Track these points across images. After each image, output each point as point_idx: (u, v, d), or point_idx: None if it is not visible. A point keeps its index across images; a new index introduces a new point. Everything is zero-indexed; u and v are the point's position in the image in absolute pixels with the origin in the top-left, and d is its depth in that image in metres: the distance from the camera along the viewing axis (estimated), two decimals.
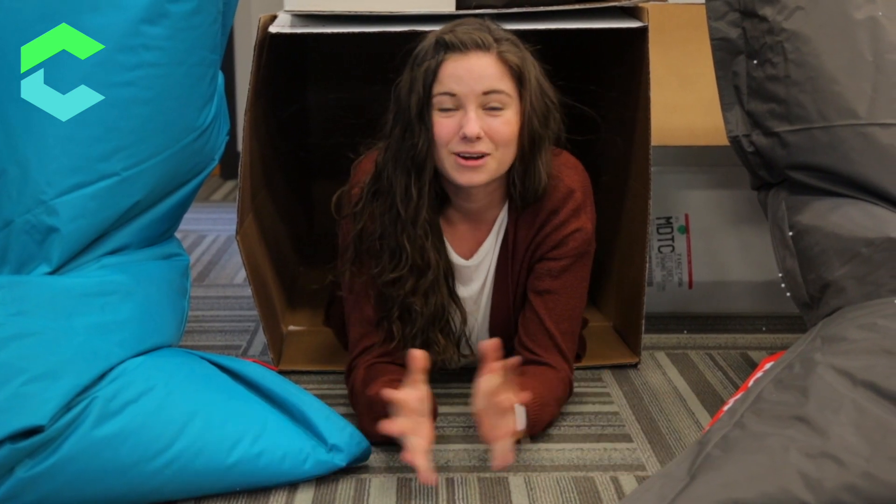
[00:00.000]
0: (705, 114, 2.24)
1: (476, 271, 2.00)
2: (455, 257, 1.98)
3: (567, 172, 1.94)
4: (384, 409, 1.81)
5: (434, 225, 1.93)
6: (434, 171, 1.87)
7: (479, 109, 1.81)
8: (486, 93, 1.80)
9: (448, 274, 1.97)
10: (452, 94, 1.80)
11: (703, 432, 1.66)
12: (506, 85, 1.82)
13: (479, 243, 1.99)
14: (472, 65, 1.80)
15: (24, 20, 1.80)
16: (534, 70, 1.86)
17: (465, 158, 1.82)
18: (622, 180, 2.34)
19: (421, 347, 1.94)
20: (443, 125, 1.82)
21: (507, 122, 1.82)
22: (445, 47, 1.81)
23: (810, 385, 1.57)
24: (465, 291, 2.01)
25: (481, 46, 1.81)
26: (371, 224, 1.91)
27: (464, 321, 2.01)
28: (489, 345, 1.70)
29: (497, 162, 1.84)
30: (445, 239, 1.98)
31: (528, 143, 1.85)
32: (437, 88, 1.81)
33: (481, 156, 1.82)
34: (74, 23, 1.80)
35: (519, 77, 1.83)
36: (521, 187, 1.89)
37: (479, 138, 1.80)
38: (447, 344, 1.97)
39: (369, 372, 1.92)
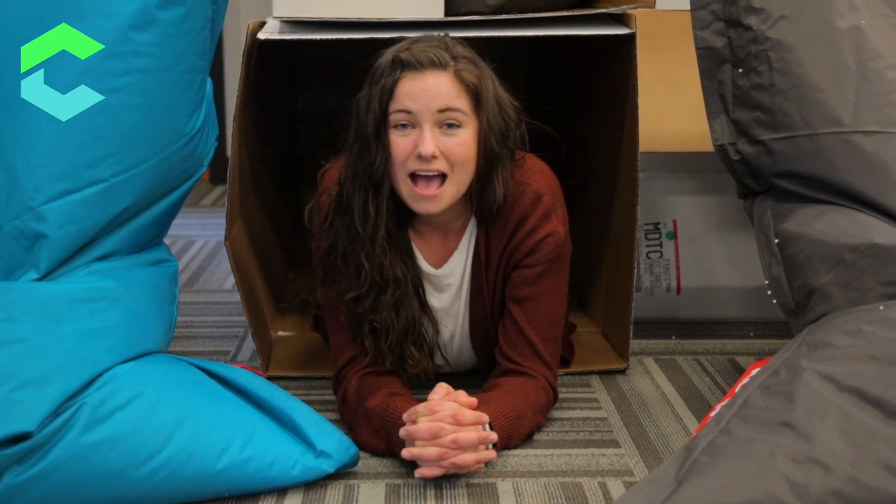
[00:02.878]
0: (693, 120, 2.25)
1: (447, 280, 2.00)
2: (425, 266, 1.98)
3: (534, 177, 1.94)
4: (383, 422, 1.82)
5: (401, 238, 1.93)
6: (391, 187, 1.86)
7: (434, 128, 1.80)
8: (441, 110, 1.79)
9: (418, 285, 1.97)
10: (408, 112, 1.80)
11: (690, 438, 1.66)
12: (462, 103, 1.81)
13: (450, 252, 1.98)
14: (429, 83, 1.79)
15: (15, 26, 1.80)
16: (492, 87, 1.85)
17: (422, 185, 1.81)
18: (610, 186, 2.35)
19: (396, 361, 1.95)
20: (399, 144, 1.81)
21: (463, 143, 1.81)
22: (402, 65, 1.80)
23: (796, 391, 1.57)
24: (438, 301, 2.01)
25: (437, 65, 1.80)
26: (335, 241, 1.91)
27: (436, 332, 2.01)
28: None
29: (455, 186, 1.84)
30: (416, 248, 1.98)
31: (485, 162, 1.85)
32: (393, 106, 1.80)
33: (438, 174, 1.81)
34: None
35: (476, 95, 1.82)
36: (478, 204, 1.89)
37: (434, 157, 1.80)
38: (421, 357, 1.97)
39: (363, 383, 1.92)
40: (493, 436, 1.75)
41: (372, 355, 1.93)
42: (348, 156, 1.89)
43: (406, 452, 1.73)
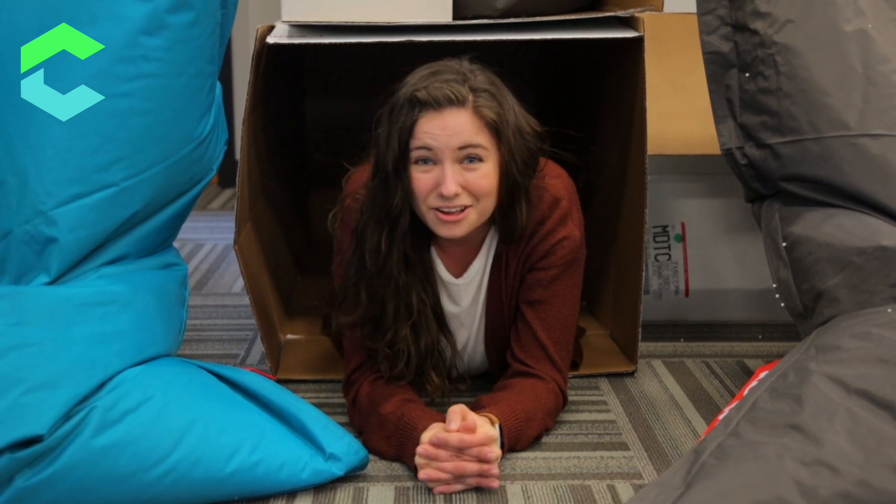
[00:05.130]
0: (701, 123, 2.25)
1: (467, 289, 2.00)
2: (446, 276, 1.99)
3: (552, 182, 1.94)
4: (396, 430, 1.83)
5: (420, 261, 1.93)
6: (411, 219, 1.86)
7: (455, 164, 1.80)
8: (461, 147, 1.79)
9: (437, 307, 1.98)
10: (429, 149, 1.79)
11: (698, 441, 1.67)
12: (482, 139, 1.80)
13: (470, 261, 1.99)
14: (447, 122, 1.78)
15: (18, 29, 1.81)
16: (513, 118, 1.83)
17: (445, 213, 1.82)
18: (618, 189, 2.35)
19: (413, 385, 1.95)
20: (421, 180, 1.81)
21: (484, 176, 1.81)
22: (420, 105, 1.79)
23: (805, 393, 1.58)
24: (454, 309, 2.02)
25: (455, 102, 1.79)
26: (354, 270, 1.91)
27: (454, 352, 2.02)
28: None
29: (478, 213, 1.84)
30: (438, 260, 1.98)
31: (507, 192, 1.86)
32: (413, 144, 1.80)
33: (461, 209, 1.82)
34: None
35: (496, 130, 1.81)
36: (501, 228, 1.91)
37: (457, 195, 1.80)
38: (440, 382, 1.98)
39: (375, 388, 1.93)
40: (496, 471, 1.76)
41: (385, 379, 1.94)
42: (369, 185, 1.89)
43: (423, 474, 1.74)
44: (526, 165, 1.87)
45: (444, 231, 1.84)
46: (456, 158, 1.80)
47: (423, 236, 1.93)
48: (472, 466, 1.73)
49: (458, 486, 1.75)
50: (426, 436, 1.76)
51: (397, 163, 1.81)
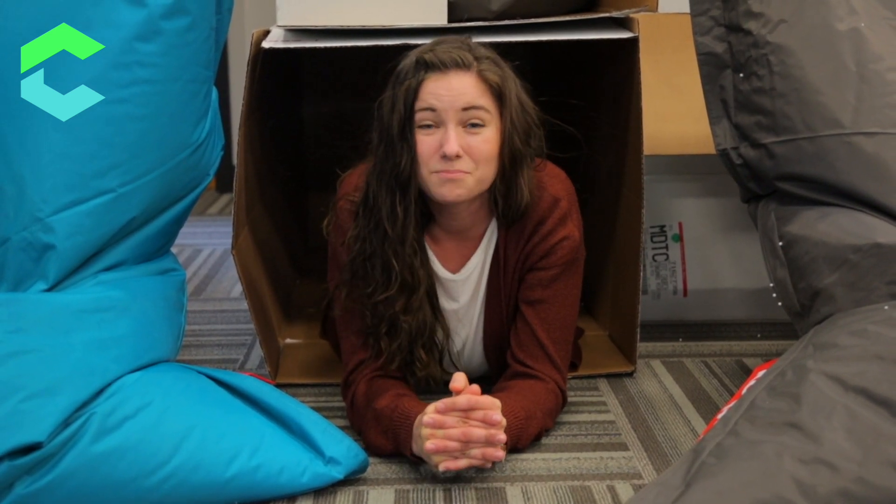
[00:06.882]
0: (697, 122, 2.25)
1: (464, 285, 2.01)
2: (442, 271, 1.99)
3: (551, 182, 1.96)
4: (391, 423, 1.83)
5: (420, 242, 1.94)
6: (418, 189, 1.88)
7: (458, 127, 1.82)
8: (465, 109, 1.81)
9: (432, 290, 1.98)
10: (433, 110, 1.82)
11: (697, 440, 1.67)
12: (486, 102, 1.83)
13: (467, 258, 1.99)
14: (453, 83, 1.82)
15: (18, 32, 1.81)
16: (514, 88, 1.87)
17: (445, 172, 1.83)
18: (615, 189, 2.35)
19: (404, 364, 1.96)
20: (424, 143, 1.83)
21: (486, 140, 1.83)
22: (426, 66, 1.83)
23: (803, 392, 1.58)
24: (452, 305, 2.02)
25: (461, 65, 1.82)
26: (362, 244, 1.92)
27: (446, 336, 2.02)
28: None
29: (476, 180, 1.85)
30: (432, 254, 1.99)
31: (510, 161, 1.87)
32: (418, 106, 1.82)
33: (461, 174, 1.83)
34: None
35: (499, 95, 1.84)
36: (504, 205, 1.91)
37: (458, 157, 1.81)
38: (429, 361, 1.98)
39: (371, 386, 1.93)
40: (502, 436, 1.76)
41: (383, 359, 1.94)
42: (373, 158, 1.90)
43: (430, 444, 1.73)
44: (527, 135, 1.88)
45: (445, 191, 1.84)
46: (459, 121, 1.82)
47: (420, 219, 1.94)
48: (479, 432, 1.73)
49: (464, 462, 1.75)
50: (431, 407, 1.77)
51: (403, 125, 1.83)
